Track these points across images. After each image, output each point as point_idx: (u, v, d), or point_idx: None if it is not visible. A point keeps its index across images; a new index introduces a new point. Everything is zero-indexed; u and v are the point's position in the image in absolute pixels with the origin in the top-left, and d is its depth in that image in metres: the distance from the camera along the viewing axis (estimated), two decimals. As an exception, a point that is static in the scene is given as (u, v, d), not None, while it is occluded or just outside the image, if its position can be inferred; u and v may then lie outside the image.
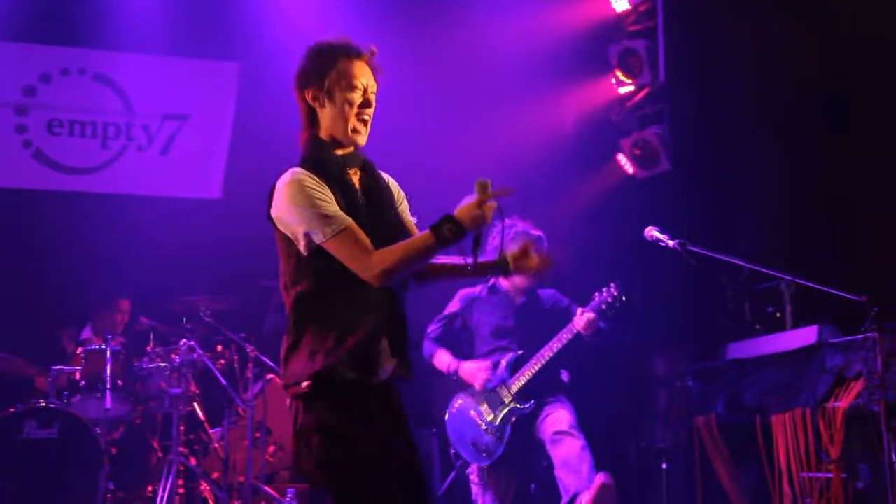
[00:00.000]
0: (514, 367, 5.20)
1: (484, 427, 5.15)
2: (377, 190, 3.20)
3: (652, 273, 6.52)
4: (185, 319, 6.72)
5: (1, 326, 6.73)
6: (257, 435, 6.49)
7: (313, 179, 2.99)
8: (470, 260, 3.01)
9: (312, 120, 3.15)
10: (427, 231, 2.92)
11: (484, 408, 5.21)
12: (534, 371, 5.15)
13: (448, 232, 2.89)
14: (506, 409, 5.15)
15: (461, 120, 7.27)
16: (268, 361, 6.63)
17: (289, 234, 3.02)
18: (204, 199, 7.90)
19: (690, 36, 7.03)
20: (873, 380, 4.75)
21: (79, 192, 7.71)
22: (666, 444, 6.38)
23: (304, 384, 2.99)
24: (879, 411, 4.58)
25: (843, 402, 5.03)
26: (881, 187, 5.71)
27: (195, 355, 6.53)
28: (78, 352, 6.53)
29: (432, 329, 5.46)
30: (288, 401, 3.09)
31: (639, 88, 7.19)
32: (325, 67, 3.09)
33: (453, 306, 5.49)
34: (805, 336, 5.39)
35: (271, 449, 6.72)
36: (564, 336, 5.11)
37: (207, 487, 6.35)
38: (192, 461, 6.41)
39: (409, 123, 7.04)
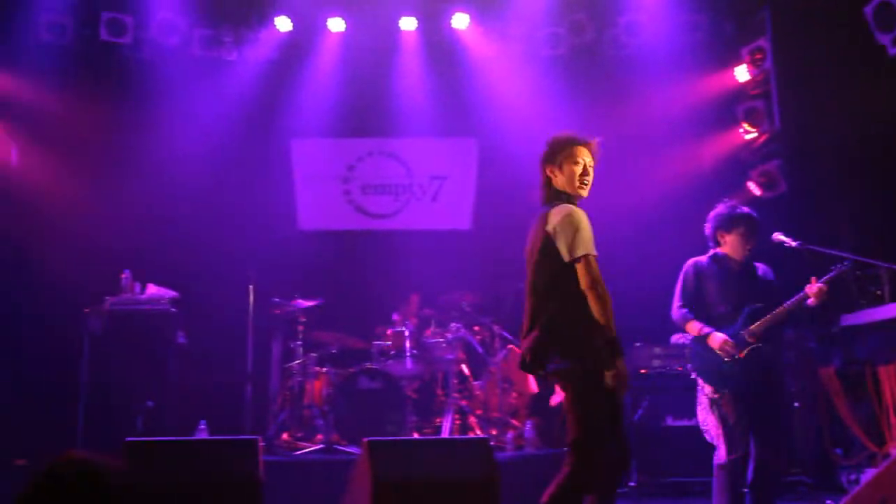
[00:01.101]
0: (753, 317, 4.27)
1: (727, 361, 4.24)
2: None
3: (778, 268, 6.08)
4: (453, 310, 6.84)
5: (343, 317, 6.94)
6: (504, 385, 6.53)
7: (581, 212, 3.12)
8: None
9: (549, 185, 3.25)
10: (612, 327, 3.02)
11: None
12: (770, 322, 4.24)
13: (607, 346, 2.99)
14: (747, 349, 4.23)
15: (631, 164, 7.03)
16: (508, 336, 6.66)
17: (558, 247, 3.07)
18: (459, 229, 7.98)
19: (797, 93, 6.66)
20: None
21: (382, 229, 7.95)
22: (796, 389, 5.99)
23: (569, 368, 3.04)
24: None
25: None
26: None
27: (461, 333, 6.61)
28: (388, 332, 6.70)
29: (680, 301, 4.47)
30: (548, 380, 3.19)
31: (760, 134, 6.91)
32: (558, 150, 3.24)
33: (682, 274, 4.52)
34: (899, 308, 5.01)
35: (513, 395, 6.71)
36: (795, 299, 4.27)
37: (474, 420, 6.43)
38: (463, 402, 6.50)
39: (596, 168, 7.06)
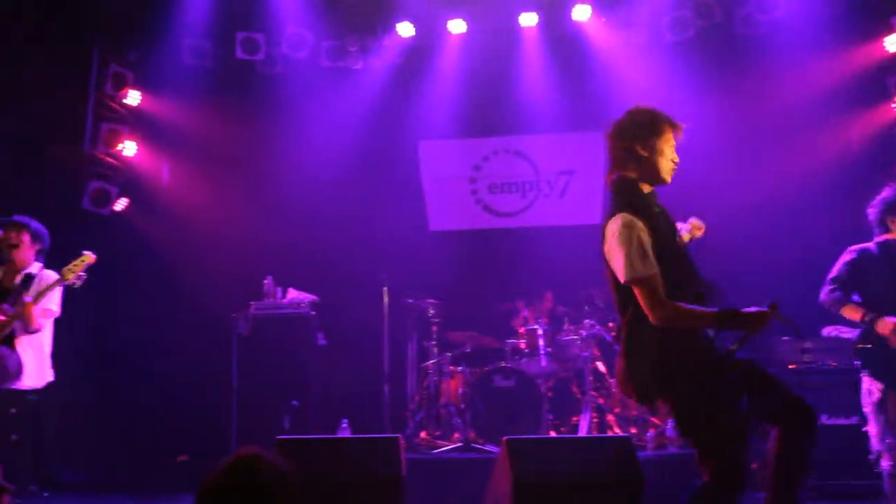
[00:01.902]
0: None
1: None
2: (670, 222, 2.93)
3: None
4: (586, 306, 6.74)
5: (476, 316, 6.99)
6: None
7: (635, 221, 2.73)
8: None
9: (625, 163, 2.88)
10: (715, 312, 2.64)
11: None
12: None
13: (729, 325, 2.64)
14: None
15: (770, 150, 6.79)
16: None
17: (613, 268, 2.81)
18: (589, 224, 7.64)
19: None
20: None
21: (510, 227, 7.92)
22: None
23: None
24: None
25: None
26: None
27: (595, 330, 6.50)
28: (521, 330, 6.70)
29: (833, 284, 4.25)
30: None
31: None
32: (658, 128, 2.89)
33: (845, 259, 4.29)
34: None
35: None
36: None
37: (612, 418, 6.33)
38: (601, 400, 6.40)
39: (728, 153, 6.77)
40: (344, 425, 6.05)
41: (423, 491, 5.10)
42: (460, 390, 6.26)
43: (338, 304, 6.85)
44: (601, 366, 6.66)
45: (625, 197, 2.84)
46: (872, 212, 4.30)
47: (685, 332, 2.75)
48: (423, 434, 6.29)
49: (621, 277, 2.73)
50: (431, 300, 6.56)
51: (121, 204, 7.13)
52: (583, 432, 5.96)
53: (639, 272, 2.68)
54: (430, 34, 7.56)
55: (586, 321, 6.54)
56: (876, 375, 3.97)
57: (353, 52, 7.60)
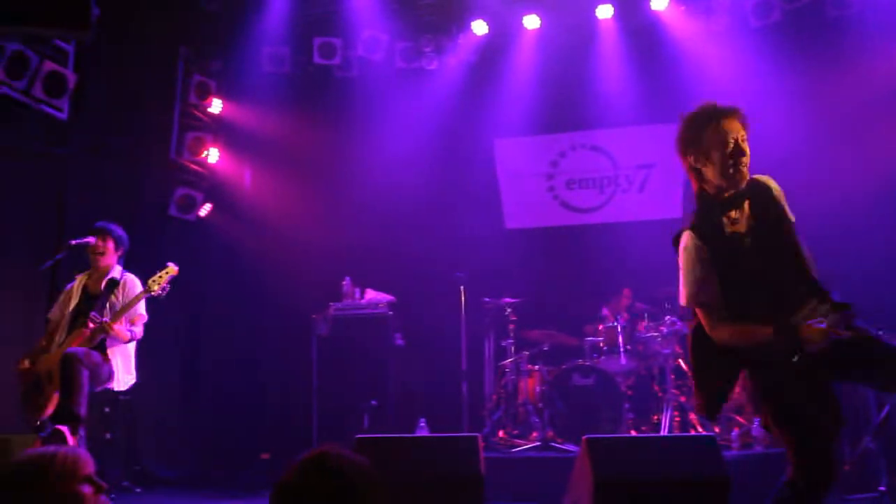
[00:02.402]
0: None
1: None
2: (765, 212, 2.77)
3: None
4: (666, 303, 6.60)
5: (553, 314, 6.96)
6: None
7: (696, 245, 2.71)
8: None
9: (698, 176, 2.79)
10: (772, 329, 2.58)
11: None
12: None
13: (784, 343, 2.56)
14: None
15: (863, 138, 6.46)
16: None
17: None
18: (670, 218, 7.50)
19: None
20: None
21: (588, 223, 7.84)
22: None
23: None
24: None
25: None
26: None
27: (676, 326, 6.36)
28: (599, 328, 6.63)
29: None
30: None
31: None
32: (699, 134, 2.74)
33: None
34: None
35: (737, 389, 6.26)
36: None
37: (694, 417, 6.18)
38: (682, 398, 6.27)
39: (819, 144, 6.52)
40: (422, 424, 6.10)
41: (502, 490, 5.08)
42: (538, 389, 6.25)
43: (415, 304, 6.92)
44: (683, 363, 6.49)
45: (695, 214, 2.81)
46: None
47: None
48: (500, 433, 6.28)
49: (681, 299, 2.80)
50: (508, 299, 6.58)
51: (205, 209, 7.36)
52: (664, 431, 5.87)
53: (696, 299, 2.74)
54: (504, 31, 7.55)
55: (667, 318, 6.43)
56: None
57: (428, 53, 7.67)
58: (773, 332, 2.58)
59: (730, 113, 2.74)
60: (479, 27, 7.49)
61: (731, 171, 2.69)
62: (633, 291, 6.95)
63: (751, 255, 2.71)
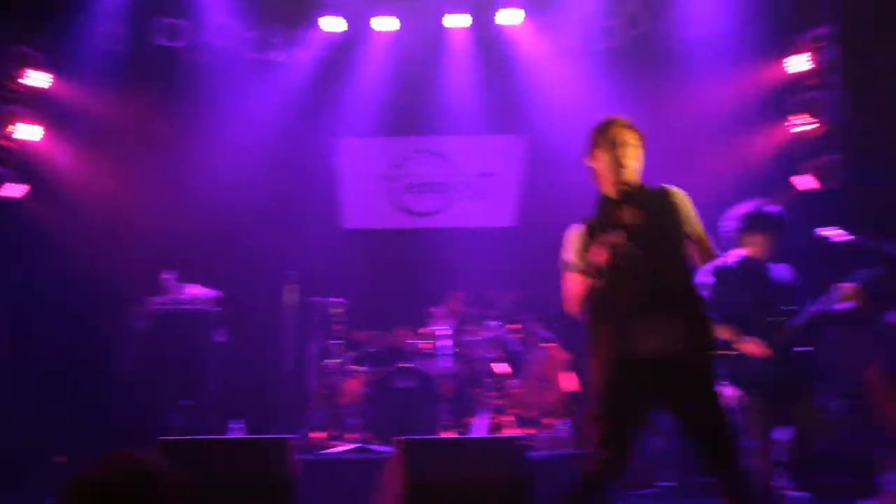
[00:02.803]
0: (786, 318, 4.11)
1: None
2: (658, 215, 2.99)
3: (827, 264, 5.52)
4: (491, 308, 6.76)
5: (385, 315, 6.94)
6: (541, 384, 6.38)
7: (580, 231, 3.05)
8: None
9: (596, 176, 3.11)
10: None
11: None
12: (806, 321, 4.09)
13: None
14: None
15: (683, 162, 6.58)
16: (547, 334, 6.57)
17: None
18: (504, 226, 7.87)
19: (859, 85, 6.42)
20: None
21: (426, 227, 7.92)
22: (842, 389, 5.76)
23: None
24: None
25: None
26: None
27: (499, 331, 6.56)
28: (428, 330, 6.66)
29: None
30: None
31: (816, 127, 6.66)
32: (596, 139, 3.09)
33: (710, 277, 4.22)
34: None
35: (550, 393, 6.49)
36: (828, 298, 4.10)
37: (510, 419, 6.33)
38: (499, 401, 6.40)
39: (645, 168, 6.82)
40: (236, 425, 5.92)
41: (316, 492, 5.02)
42: (361, 390, 6.24)
43: (244, 300, 6.74)
44: (502, 367, 6.67)
45: (592, 212, 3.10)
46: (728, 226, 4.32)
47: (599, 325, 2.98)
48: (320, 434, 6.22)
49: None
50: (339, 298, 6.52)
51: (16, 189, 6.81)
52: (478, 433, 5.99)
53: (566, 266, 3.05)
54: (357, 29, 7.50)
55: (491, 322, 6.59)
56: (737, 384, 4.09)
57: (277, 45, 7.49)
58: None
59: (622, 123, 3.08)
60: (331, 24, 7.41)
61: (618, 171, 2.99)
62: (465, 296, 7.02)
63: (632, 249, 2.90)
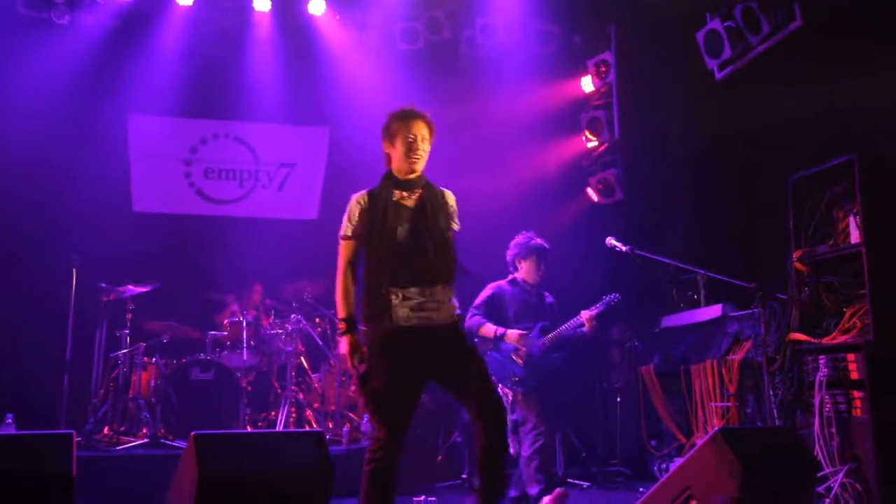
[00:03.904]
0: (544, 331, 5.08)
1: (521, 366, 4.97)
2: (431, 204, 3.26)
3: (612, 269, 6.25)
4: (294, 301, 6.73)
5: (178, 305, 6.69)
6: (343, 378, 6.44)
7: (361, 201, 3.22)
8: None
9: (388, 160, 3.32)
10: (344, 316, 3.17)
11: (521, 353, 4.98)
12: (554, 338, 5.06)
13: (339, 334, 3.19)
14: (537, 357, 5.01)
15: (479, 167, 7.07)
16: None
17: None
18: (306, 219, 7.82)
19: (636, 105, 6.94)
20: (758, 340, 4.73)
21: (224, 216, 7.70)
22: (619, 385, 6.33)
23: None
24: (762, 361, 4.53)
25: (738, 356, 5.06)
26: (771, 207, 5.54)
27: (301, 325, 6.52)
28: (225, 322, 6.55)
29: (476, 310, 5.12)
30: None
31: (601, 143, 7.19)
32: (391, 126, 3.28)
33: (486, 293, 5.20)
34: (713, 311, 5.38)
35: (352, 388, 6.64)
36: (573, 322, 5.04)
37: (311, 413, 6.37)
38: (300, 395, 6.42)
39: (450, 164, 6.51)
40: (8, 421, 5.43)
41: (102, 491, 4.75)
42: (153, 383, 6.03)
43: (16, 284, 6.23)
44: (304, 361, 6.71)
45: (375, 186, 3.29)
46: (508, 254, 5.20)
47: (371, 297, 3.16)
48: (106, 430, 5.91)
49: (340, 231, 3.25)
50: (129, 286, 6.17)
51: None
52: (280, 427, 5.97)
53: (344, 231, 3.23)
54: (152, 1, 7.06)
55: (293, 316, 6.56)
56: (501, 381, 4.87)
57: (59, 5, 6.85)
58: (344, 318, 3.13)
59: (418, 116, 3.28)
60: (123, -10, 6.91)
61: (408, 159, 3.23)
62: (265, 288, 6.96)
63: (404, 228, 3.17)
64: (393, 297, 3.09)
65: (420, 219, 3.19)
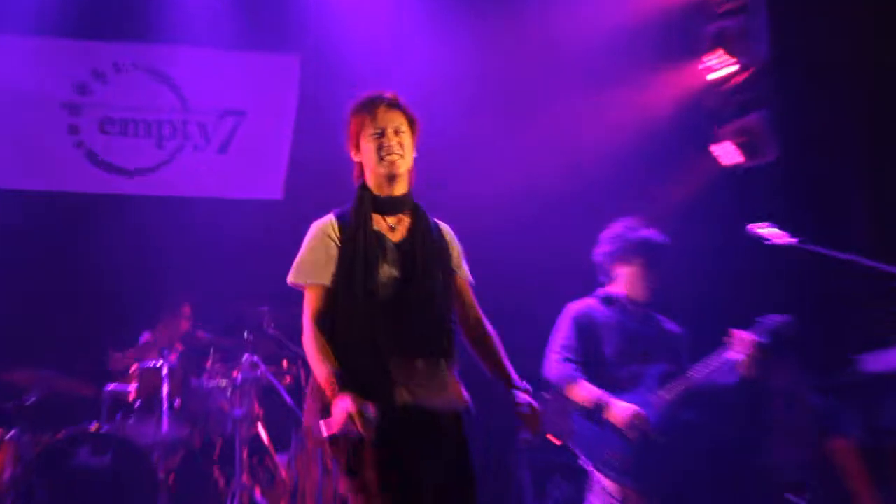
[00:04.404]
0: (665, 380, 4.69)
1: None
2: (420, 234, 3.30)
3: (763, 276, 5.99)
4: (246, 332, 6.27)
5: (50, 342, 6.47)
6: (328, 461, 5.85)
7: (329, 229, 3.22)
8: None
9: (361, 173, 3.36)
10: (329, 373, 3.03)
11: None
12: (685, 390, 4.66)
13: (331, 394, 3.01)
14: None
15: (532, 115, 6.97)
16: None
17: None
18: (265, 200, 7.54)
19: (798, 10, 6.58)
20: None
21: (133, 194, 7.32)
22: (794, 470, 5.77)
23: None
24: None
25: None
26: None
27: (258, 372, 6.17)
28: (132, 369, 6.07)
29: (566, 352, 4.77)
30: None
31: (739, 71, 6.75)
32: (351, 122, 3.32)
33: (569, 323, 4.84)
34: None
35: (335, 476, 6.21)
36: (717, 362, 4.61)
37: (269, 514, 5.90)
38: (257, 491, 6.01)
39: (476, 125, 6.92)
40: None
41: None
42: (7, 472, 5.64)
43: None
44: (263, 433, 6.31)
45: (348, 207, 3.31)
46: (598, 255, 4.87)
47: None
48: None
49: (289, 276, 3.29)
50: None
51: None
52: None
53: (303, 277, 3.22)
54: None
55: (245, 357, 6.19)
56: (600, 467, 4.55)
57: None
58: (330, 375, 3.01)
59: (384, 102, 3.28)
60: None
61: (381, 161, 3.22)
62: (195, 312, 6.59)
63: (386, 271, 3.17)
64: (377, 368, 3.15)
65: (409, 262, 3.22)
